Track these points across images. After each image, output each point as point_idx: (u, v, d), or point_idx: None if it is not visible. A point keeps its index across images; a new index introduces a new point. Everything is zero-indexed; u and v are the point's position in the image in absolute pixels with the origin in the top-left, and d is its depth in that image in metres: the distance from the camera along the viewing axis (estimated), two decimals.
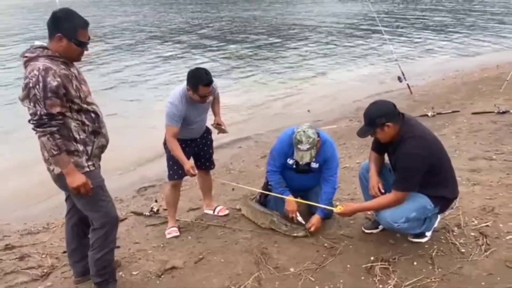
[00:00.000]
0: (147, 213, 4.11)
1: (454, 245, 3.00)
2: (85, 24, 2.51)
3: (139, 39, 18.49)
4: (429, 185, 2.85)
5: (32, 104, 2.31)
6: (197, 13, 29.81)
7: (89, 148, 2.57)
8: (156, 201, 4.29)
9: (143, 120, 7.71)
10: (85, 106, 2.53)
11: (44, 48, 2.43)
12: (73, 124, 2.48)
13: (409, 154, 2.76)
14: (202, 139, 3.74)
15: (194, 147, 3.69)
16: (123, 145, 6.58)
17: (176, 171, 3.62)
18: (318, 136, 3.29)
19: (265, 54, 15.02)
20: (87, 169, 2.56)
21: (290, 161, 3.46)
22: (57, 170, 2.51)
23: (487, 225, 3.20)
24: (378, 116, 2.81)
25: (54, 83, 2.32)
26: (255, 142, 6.80)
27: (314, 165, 3.44)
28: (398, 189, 2.84)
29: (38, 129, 2.36)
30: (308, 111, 8.22)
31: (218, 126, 3.75)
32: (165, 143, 3.63)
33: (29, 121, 2.37)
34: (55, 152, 2.38)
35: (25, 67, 2.40)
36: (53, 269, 3.26)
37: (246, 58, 14.42)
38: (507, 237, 3.02)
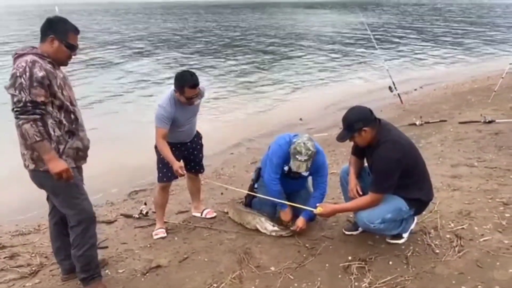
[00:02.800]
0: (136, 215, 4.21)
1: (430, 246, 3.11)
2: (76, 30, 2.68)
3: (126, 53, 18.68)
4: (404, 188, 2.97)
5: (17, 91, 2.42)
6: (185, 22, 30.12)
7: (61, 147, 2.63)
8: (145, 204, 4.38)
9: (137, 127, 7.82)
10: (67, 103, 2.63)
11: (34, 48, 2.59)
12: (50, 121, 2.56)
13: (384, 158, 2.89)
14: (192, 143, 3.85)
15: (184, 150, 3.79)
16: (116, 151, 6.73)
17: (165, 174, 3.72)
18: (315, 149, 3.39)
19: (258, 63, 15.23)
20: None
21: (285, 168, 3.56)
22: (31, 165, 2.61)
23: (463, 228, 3.31)
24: (356, 121, 2.94)
25: (40, 74, 2.45)
26: (247, 149, 6.92)
27: (305, 173, 3.55)
28: (374, 191, 2.96)
29: (21, 116, 2.44)
30: (300, 119, 8.36)
31: None
32: (156, 147, 3.74)
33: (12, 109, 2.46)
34: (38, 139, 2.46)
35: (14, 62, 2.53)
36: (41, 267, 3.34)
37: (238, 67, 14.61)
38: (481, 239, 3.13)
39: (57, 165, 2.54)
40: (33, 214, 4.65)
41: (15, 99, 2.43)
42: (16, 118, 2.47)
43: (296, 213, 3.59)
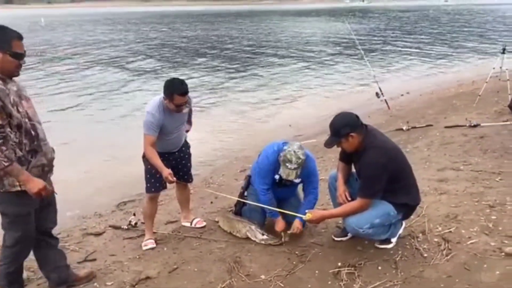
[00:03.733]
0: (125, 227, 4.17)
1: (418, 250, 3.14)
2: (19, 36, 2.49)
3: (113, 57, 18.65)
4: (392, 192, 3.00)
5: None
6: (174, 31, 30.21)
7: (23, 168, 2.49)
8: (134, 214, 4.35)
9: (124, 136, 7.79)
10: (25, 120, 2.51)
11: None
12: (10, 143, 2.44)
13: (371, 163, 2.92)
14: (180, 152, 3.84)
15: (171, 160, 3.77)
16: (102, 160, 6.69)
17: (153, 184, 3.70)
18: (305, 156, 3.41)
19: (247, 70, 15.30)
20: (19, 188, 2.51)
21: (276, 176, 3.56)
22: None
23: (450, 231, 3.35)
24: (342, 126, 2.97)
25: None
26: (236, 157, 6.92)
27: (297, 180, 3.56)
28: (362, 196, 2.99)
29: None
30: (290, 126, 8.40)
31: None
32: (143, 156, 3.72)
33: None
34: (6, 164, 2.36)
35: None
36: (28, 281, 3.27)
37: (228, 74, 14.66)
38: (468, 242, 3.17)
39: (35, 185, 2.48)
40: None
41: None
42: None
43: (287, 219, 3.60)
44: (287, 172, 3.32)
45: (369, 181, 2.96)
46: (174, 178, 3.55)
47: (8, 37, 2.44)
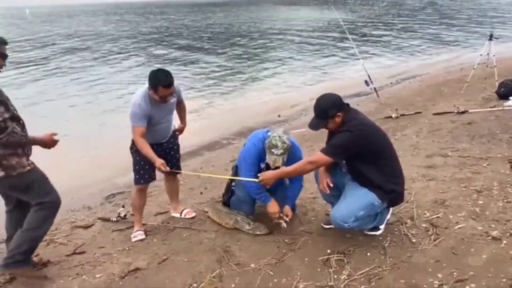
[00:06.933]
0: (114, 219, 4.14)
1: (406, 236, 3.16)
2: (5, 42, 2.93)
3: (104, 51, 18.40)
4: (373, 173, 2.97)
5: None
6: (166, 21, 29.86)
7: (26, 150, 3.00)
8: (123, 206, 4.32)
9: (111, 129, 7.71)
10: (16, 113, 2.92)
11: None
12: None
13: (344, 132, 2.91)
14: (169, 143, 3.80)
15: (160, 151, 3.72)
16: (90, 152, 6.63)
17: (142, 176, 3.67)
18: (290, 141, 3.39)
19: (237, 61, 15.19)
20: (29, 167, 2.99)
21: (262, 165, 3.55)
22: (1, 173, 2.90)
23: (438, 217, 3.37)
24: (330, 107, 2.94)
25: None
26: (226, 148, 6.90)
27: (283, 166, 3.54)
28: (322, 150, 2.97)
29: (2, 136, 2.77)
30: (279, 116, 8.38)
31: (178, 131, 3.91)
32: (131, 148, 3.68)
33: None
34: (25, 139, 2.90)
35: None
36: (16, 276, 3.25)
37: (218, 65, 14.55)
38: (455, 227, 3.19)
39: (50, 139, 3.10)
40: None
41: None
42: None
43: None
44: (273, 159, 3.27)
45: (336, 142, 2.94)
46: (168, 168, 3.51)
47: None
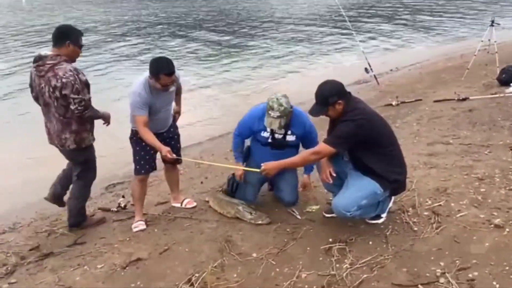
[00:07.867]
0: (115, 209, 4.13)
1: (408, 224, 3.16)
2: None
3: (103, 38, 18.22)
4: (375, 166, 2.96)
5: (77, 95, 3.20)
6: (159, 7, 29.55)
7: (91, 127, 3.56)
8: (123, 196, 4.31)
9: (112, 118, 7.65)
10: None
11: (58, 55, 3.26)
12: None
13: (347, 122, 2.89)
14: (169, 133, 3.77)
15: (160, 141, 3.69)
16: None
17: (143, 166, 3.65)
18: (291, 107, 3.36)
19: (237, 49, 15.05)
20: (92, 142, 3.59)
21: (265, 134, 3.52)
22: (72, 146, 3.42)
23: (440, 205, 3.37)
24: (331, 95, 2.91)
25: (84, 78, 3.29)
26: (226, 138, 6.84)
27: (291, 137, 3.51)
28: (325, 141, 2.96)
29: (87, 111, 3.33)
30: None
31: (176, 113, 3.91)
32: (131, 138, 3.66)
33: (75, 109, 3.24)
34: (99, 113, 3.52)
35: (47, 71, 3.20)
36: (17, 267, 3.25)
37: (217, 53, 14.42)
38: (457, 215, 3.19)
39: (109, 115, 3.67)
40: (7, 212, 4.52)
41: (77, 100, 3.23)
42: (83, 114, 3.30)
43: (279, 196, 3.77)
44: (270, 121, 3.28)
45: (339, 132, 2.92)
46: (174, 155, 3.49)
47: (78, 35, 3.40)
